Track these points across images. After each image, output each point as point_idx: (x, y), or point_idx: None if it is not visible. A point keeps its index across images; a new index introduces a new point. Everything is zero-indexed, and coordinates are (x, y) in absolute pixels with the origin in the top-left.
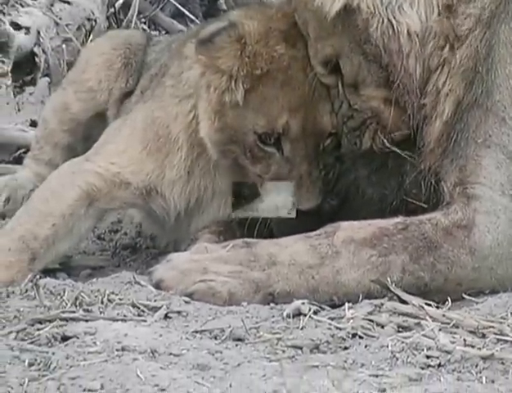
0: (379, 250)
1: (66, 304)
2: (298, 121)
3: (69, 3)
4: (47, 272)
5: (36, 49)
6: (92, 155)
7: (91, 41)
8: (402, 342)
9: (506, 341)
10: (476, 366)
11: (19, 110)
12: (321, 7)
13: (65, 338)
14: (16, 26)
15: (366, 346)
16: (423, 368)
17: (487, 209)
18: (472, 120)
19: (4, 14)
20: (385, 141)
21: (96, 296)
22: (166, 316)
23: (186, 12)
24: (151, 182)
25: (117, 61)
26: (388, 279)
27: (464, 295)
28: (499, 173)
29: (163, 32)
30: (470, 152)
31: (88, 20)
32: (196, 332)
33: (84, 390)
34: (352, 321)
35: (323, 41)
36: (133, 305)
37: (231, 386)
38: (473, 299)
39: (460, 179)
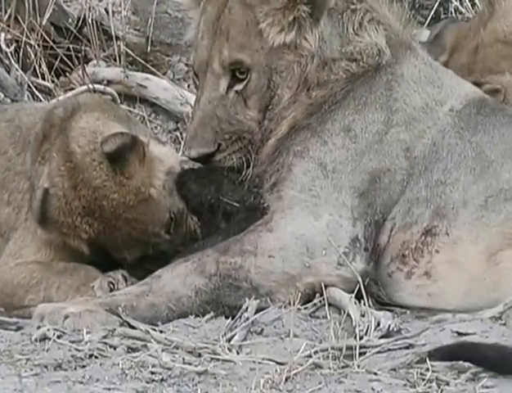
0: (192, 260)
1: None
2: None
3: None
4: None
5: None
6: None
7: None
8: (131, 361)
9: (218, 360)
10: (193, 380)
11: None
12: (267, 35)
13: None
14: None
15: (100, 364)
16: (148, 383)
17: (285, 206)
18: (298, 137)
19: None
20: (250, 159)
21: None
22: None
23: None
24: None
25: None
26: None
27: (183, 320)
28: (304, 177)
29: None
30: (288, 161)
31: None
32: None
33: None
34: (89, 343)
35: (241, 47)
36: None
37: None
38: (191, 324)
39: (274, 182)
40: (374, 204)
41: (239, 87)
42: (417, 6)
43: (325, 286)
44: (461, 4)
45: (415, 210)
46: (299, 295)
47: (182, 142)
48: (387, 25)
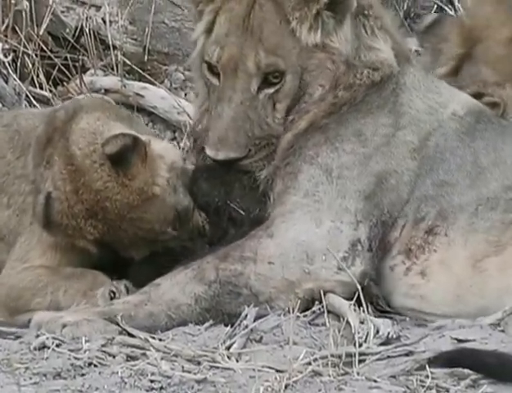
0: (192, 268)
1: None
2: None
3: None
4: None
5: None
6: None
7: None
8: (130, 369)
9: (218, 367)
10: (192, 388)
11: None
12: (300, 35)
13: None
14: None
15: (99, 373)
16: (147, 391)
17: (287, 210)
18: (313, 139)
19: None
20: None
21: None
22: None
23: None
24: None
25: None
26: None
27: (182, 328)
28: (308, 183)
29: None
30: (296, 166)
31: None
32: None
33: None
34: (88, 352)
35: (276, 48)
36: None
37: None
38: (190, 332)
39: (281, 191)
40: (380, 204)
41: (269, 90)
42: (412, 15)
43: (325, 293)
44: (456, 14)
45: (424, 208)
46: (299, 301)
47: (208, 141)
48: (391, 34)
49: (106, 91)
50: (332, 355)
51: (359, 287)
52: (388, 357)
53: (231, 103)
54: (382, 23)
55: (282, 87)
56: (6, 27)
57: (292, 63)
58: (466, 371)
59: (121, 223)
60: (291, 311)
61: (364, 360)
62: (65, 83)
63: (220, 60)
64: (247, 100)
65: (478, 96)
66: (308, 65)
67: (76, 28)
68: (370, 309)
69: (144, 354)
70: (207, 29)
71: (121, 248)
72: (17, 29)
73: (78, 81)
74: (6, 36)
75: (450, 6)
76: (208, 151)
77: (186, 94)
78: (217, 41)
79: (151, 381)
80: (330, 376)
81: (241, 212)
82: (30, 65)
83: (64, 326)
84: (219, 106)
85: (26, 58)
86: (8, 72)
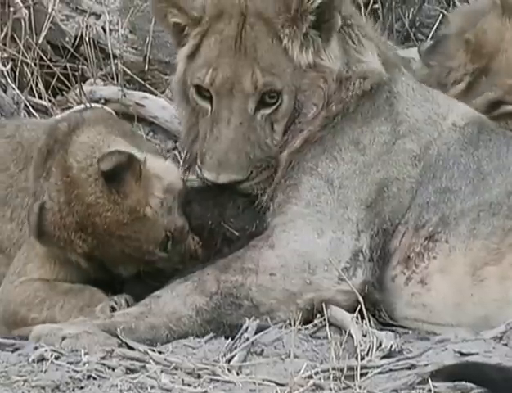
0: (192, 280)
1: None
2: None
3: None
4: None
5: None
6: None
7: None
8: (130, 382)
9: (218, 381)
10: None
11: None
12: (292, 54)
13: None
14: None
15: (99, 386)
16: None
17: (287, 219)
18: (309, 153)
19: None
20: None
21: None
22: None
23: None
24: None
25: None
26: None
27: (183, 341)
28: (309, 194)
29: None
30: (297, 178)
31: None
32: None
33: None
34: (87, 365)
35: (271, 68)
36: None
37: None
38: (190, 345)
39: (282, 201)
40: (382, 212)
41: (266, 111)
42: (418, 24)
43: (326, 303)
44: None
45: (425, 215)
46: (299, 312)
47: (206, 164)
48: (375, 42)
49: (106, 101)
50: (334, 368)
51: (360, 299)
52: (391, 370)
53: (229, 125)
54: (365, 31)
55: (279, 107)
56: (5, 35)
57: (287, 82)
58: (469, 385)
59: (110, 238)
60: (292, 324)
61: (366, 374)
62: (64, 93)
63: (213, 82)
64: (245, 121)
65: (495, 104)
66: (301, 84)
67: (76, 36)
68: (372, 322)
69: (144, 367)
70: (191, 53)
71: (109, 264)
72: (16, 37)
73: (77, 90)
74: (4, 45)
75: None
76: (208, 175)
77: None
78: (208, 63)
79: None
80: (331, 389)
81: (235, 233)
82: (29, 74)
83: (63, 338)
84: (215, 129)
85: (25, 67)
86: (7, 81)
